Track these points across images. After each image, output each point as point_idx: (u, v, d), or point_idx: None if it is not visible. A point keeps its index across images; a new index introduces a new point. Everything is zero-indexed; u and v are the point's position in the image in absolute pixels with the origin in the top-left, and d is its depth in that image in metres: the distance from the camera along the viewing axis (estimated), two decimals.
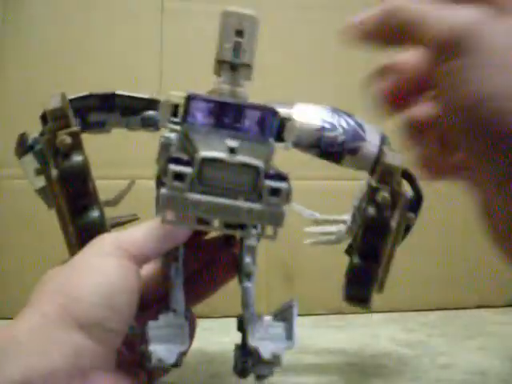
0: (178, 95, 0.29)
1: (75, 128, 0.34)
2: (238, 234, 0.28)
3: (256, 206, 0.25)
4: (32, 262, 0.57)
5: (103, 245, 0.28)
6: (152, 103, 0.36)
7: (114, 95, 0.36)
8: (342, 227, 0.44)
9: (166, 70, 0.63)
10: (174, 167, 0.24)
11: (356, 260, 0.38)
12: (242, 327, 0.31)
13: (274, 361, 0.29)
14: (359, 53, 0.69)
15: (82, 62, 0.61)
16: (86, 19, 0.62)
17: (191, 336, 0.32)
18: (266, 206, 0.25)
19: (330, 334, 0.55)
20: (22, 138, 0.37)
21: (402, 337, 0.54)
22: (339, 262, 0.65)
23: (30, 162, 0.36)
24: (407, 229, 0.40)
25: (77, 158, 0.33)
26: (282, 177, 0.25)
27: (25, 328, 0.24)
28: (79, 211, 0.34)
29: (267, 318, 0.31)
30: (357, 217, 0.41)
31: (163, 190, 0.25)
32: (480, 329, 0.57)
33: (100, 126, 0.37)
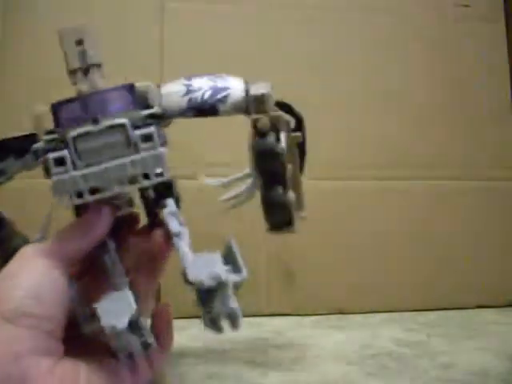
0: (42, 108, 0.31)
1: None
2: (130, 187, 0.29)
3: (136, 156, 0.28)
4: None
5: (24, 253, 0.29)
6: (33, 136, 0.35)
7: (1, 142, 0.36)
8: (250, 180, 0.44)
9: (166, 70, 0.63)
10: (52, 155, 0.28)
11: (262, 190, 0.39)
12: (186, 280, 0.30)
13: (219, 282, 0.28)
14: (357, 54, 0.69)
15: None
16: (87, 19, 0.62)
17: (164, 325, 0.32)
18: (144, 152, 0.28)
19: (330, 334, 0.55)
20: None
21: (402, 337, 0.54)
22: (339, 262, 0.65)
23: None
24: (301, 151, 0.42)
25: None
26: (148, 124, 0.28)
27: None
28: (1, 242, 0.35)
29: (202, 253, 0.30)
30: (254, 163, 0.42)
31: (50, 180, 0.27)
32: (480, 329, 0.57)
33: (1, 175, 0.37)
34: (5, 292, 0.27)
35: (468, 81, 0.70)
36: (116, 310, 0.29)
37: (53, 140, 0.30)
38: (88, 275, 0.33)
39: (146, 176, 0.29)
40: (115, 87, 0.31)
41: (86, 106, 0.30)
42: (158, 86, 0.38)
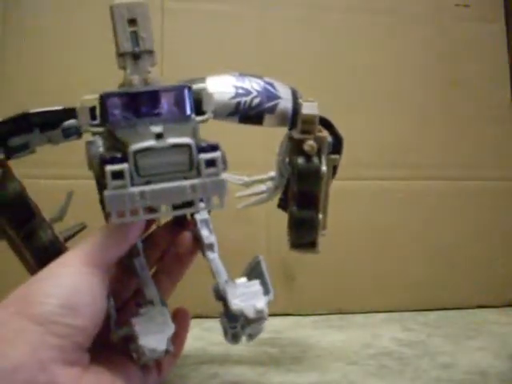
0: (91, 98, 0.29)
1: (1, 156, 0.34)
2: (187, 211, 0.29)
3: (197, 180, 0.26)
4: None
5: (63, 260, 0.29)
6: (68, 112, 0.36)
7: (26, 115, 0.36)
8: (271, 184, 0.45)
9: (167, 70, 0.63)
10: (110, 167, 0.25)
11: (294, 208, 0.39)
12: (219, 296, 0.32)
13: (260, 316, 0.30)
14: (358, 54, 0.69)
15: (83, 62, 0.61)
16: (87, 19, 0.62)
17: (182, 330, 0.33)
18: (206, 177, 0.26)
19: (330, 334, 0.55)
20: None
21: (402, 337, 0.54)
22: (339, 263, 0.65)
23: None
24: (334, 170, 0.42)
25: (12, 186, 0.34)
26: (213, 147, 0.26)
27: None
28: (29, 236, 0.35)
29: (241, 280, 0.32)
30: (283, 171, 0.42)
31: (107, 192, 0.25)
32: (480, 329, 0.57)
33: (23, 149, 0.37)
34: (39, 295, 0.26)
35: (468, 81, 0.70)
36: (155, 329, 0.28)
37: (99, 133, 0.29)
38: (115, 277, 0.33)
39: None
40: (171, 87, 0.29)
41: (138, 103, 0.28)
42: (202, 80, 0.37)
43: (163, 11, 0.64)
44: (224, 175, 0.27)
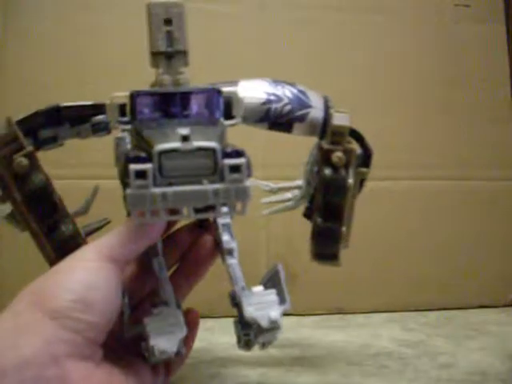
0: (122, 95, 0.29)
1: (29, 148, 0.34)
2: (209, 216, 0.28)
3: (220, 185, 0.26)
4: (32, 262, 0.57)
5: (82, 253, 0.29)
6: (98, 108, 0.36)
7: (58, 109, 0.36)
8: (297, 193, 0.45)
9: None
10: (134, 166, 0.25)
11: (319, 220, 0.38)
12: (235, 302, 0.32)
13: (274, 326, 0.30)
14: (360, 53, 0.69)
15: (83, 63, 0.61)
16: (87, 20, 0.62)
17: (192, 332, 0.33)
18: (230, 183, 0.26)
19: (330, 334, 0.55)
20: None
21: (402, 337, 0.54)
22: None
23: None
24: (361, 182, 0.41)
25: (37, 178, 0.34)
26: (239, 153, 0.26)
27: (4, 320, 0.26)
28: (51, 229, 0.35)
29: (258, 288, 0.32)
30: (310, 180, 0.42)
31: (129, 191, 0.25)
32: (480, 329, 0.57)
33: (52, 141, 0.37)
34: (55, 289, 0.27)
35: (468, 81, 0.70)
36: (167, 330, 0.28)
37: (127, 130, 0.29)
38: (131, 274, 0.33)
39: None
40: (202, 89, 0.29)
41: (167, 104, 0.29)
42: (235, 83, 0.37)
43: None
44: (249, 181, 0.27)
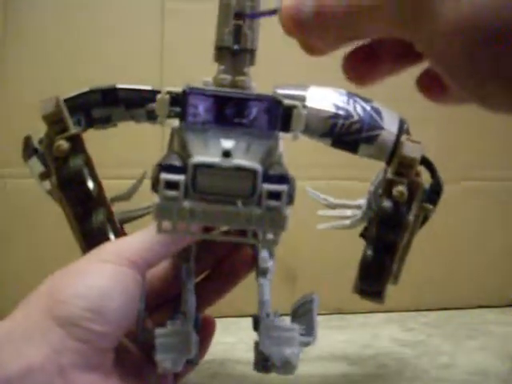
0: (175, 90, 0.26)
1: (73, 131, 0.33)
2: (237, 241, 0.27)
3: (255, 210, 0.23)
4: (32, 262, 0.57)
5: (102, 252, 0.28)
6: (155, 94, 0.35)
7: (115, 89, 0.36)
8: (356, 212, 0.43)
9: (167, 70, 0.63)
10: (165, 176, 0.23)
11: (370, 252, 0.36)
12: (256, 327, 0.31)
13: (287, 366, 0.29)
14: None
15: (83, 62, 0.61)
16: (87, 19, 0.62)
17: (207, 339, 0.32)
18: (266, 210, 0.23)
19: (330, 334, 0.55)
20: (27, 141, 0.37)
21: (402, 337, 0.54)
22: (339, 263, 0.65)
23: (36, 165, 0.36)
24: (424, 219, 0.38)
25: (74, 163, 0.33)
26: (282, 178, 0.23)
27: (5, 328, 0.25)
28: (83, 216, 0.34)
29: (282, 321, 0.30)
30: (372, 203, 0.39)
31: (156, 200, 0.23)
32: (480, 329, 0.57)
33: (106, 121, 0.37)
34: (67, 294, 0.25)
35: None
36: (174, 348, 0.27)
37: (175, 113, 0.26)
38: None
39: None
40: (261, 97, 0.26)
41: (222, 107, 0.26)
42: (305, 88, 0.34)
43: (163, 11, 0.64)
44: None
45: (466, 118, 0.70)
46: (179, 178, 0.23)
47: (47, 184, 0.35)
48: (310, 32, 0.21)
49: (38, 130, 0.36)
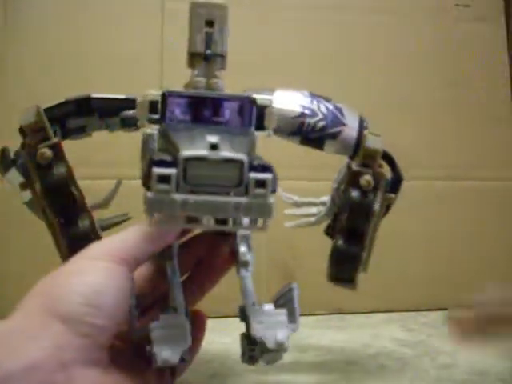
0: (154, 93, 0.28)
1: (54, 139, 0.34)
2: (228, 229, 0.28)
3: (243, 199, 0.25)
4: (32, 262, 0.57)
5: (92, 252, 0.28)
6: (129, 102, 0.36)
7: (89, 99, 0.36)
8: (321, 209, 0.45)
9: (167, 70, 0.63)
10: (157, 170, 0.24)
11: (340, 242, 0.38)
12: (244, 317, 0.31)
13: (280, 348, 0.30)
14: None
15: (82, 62, 0.61)
16: (87, 19, 0.62)
17: (199, 335, 0.32)
18: (253, 198, 0.25)
19: (330, 334, 0.55)
20: (4, 153, 0.37)
21: (402, 337, 0.54)
22: None
23: (14, 176, 0.36)
24: (387, 208, 0.40)
25: (58, 171, 0.33)
26: (266, 168, 0.25)
27: (5, 328, 0.25)
28: (68, 222, 0.34)
29: (268, 306, 0.31)
30: (336, 199, 0.41)
31: (149, 194, 0.24)
32: None
33: (80, 131, 0.37)
34: (65, 291, 0.26)
35: (468, 81, 0.70)
36: (171, 339, 0.28)
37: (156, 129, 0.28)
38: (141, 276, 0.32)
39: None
40: (235, 96, 0.28)
41: (199, 108, 0.28)
42: (270, 92, 0.36)
43: (163, 11, 0.64)
44: (273, 197, 0.26)
45: (465, 118, 0.70)
46: (171, 171, 0.24)
47: (27, 194, 0.36)
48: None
49: (12, 145, 0.36)
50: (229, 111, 0.28)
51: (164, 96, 0.28)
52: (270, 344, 0.29)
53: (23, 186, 0.36)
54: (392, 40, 0.69)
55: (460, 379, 0.41)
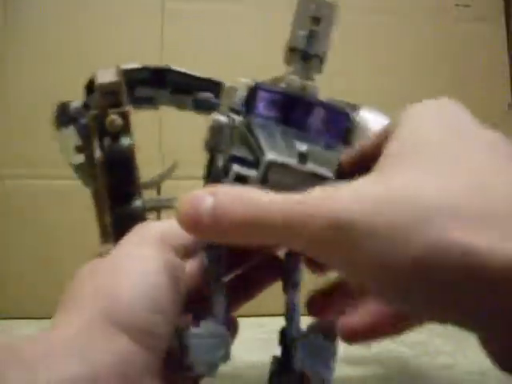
0: (246, 82, 0.26)
1: (127, 108, 0.31)
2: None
3: None
4: (32, 262, 0.57)
5: (145, 236, 0.25)
6: (208, 84, 0.33)
7: (167, 70, 0.33)
8: None
9: None
10: (238, 168, 0.22)
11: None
12: (286, 342, 0.29)
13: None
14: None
15: (82, 62, 0.61)
16: (87, 19, 0.62)
17: (231, 339, 0.30)
18: None
19: None
20: (64, 108, 0.34)
21: (402, 337, 0.53)
22: None
23: (70, 135, 0.33)
24: None
25: (126, 142, 0.30)
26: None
27: (65, 335, 0.22)
28: (121, 199, 0.31)
29: (316, 337, 0.29)
30: None
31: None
32: None
33: (147, 102, 0.35)
34: (127, 295, 0.22)
35: (468, 81, 0.70)
36: (209, 349, 0.25)
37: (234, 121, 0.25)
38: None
39: None
40: (333, 106, 0.26)
41: (290, 109, 0.25)
42: (355, 109, 0.34)
43: (163, 11, 0.64)
44: None
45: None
46: (251, 173, 0.22)
47: (80, 158, 0.33)
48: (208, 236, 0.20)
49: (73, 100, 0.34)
50: (320, 120, 0.26)
51: (255, 88, 0.25)
52: (316, 381, 0.27)
53: (78, 149, 0.32)
54: (392, 40, 0.69)
55: (460, 379, 0.41)
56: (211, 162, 0.27)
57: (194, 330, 0.25)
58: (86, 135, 0.31)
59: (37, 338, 0.22)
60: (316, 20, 0.26)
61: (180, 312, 0.25)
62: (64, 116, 0.33)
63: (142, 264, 0.23)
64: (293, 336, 0.28)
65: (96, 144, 0.30)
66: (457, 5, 0.72)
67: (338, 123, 0.26)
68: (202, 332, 0.25)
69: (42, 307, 0.59)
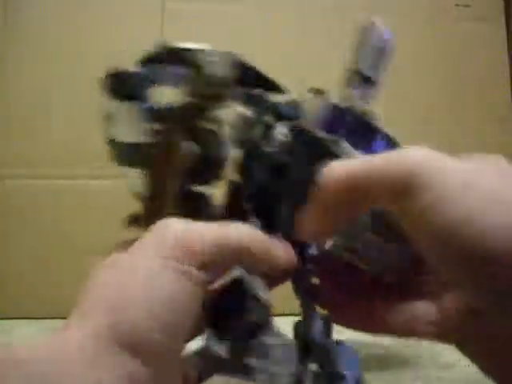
0: (320, 90, 0.26)
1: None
2: None
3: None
4: (32, 262, 0.57)
5: (164, 242, 0.22)
6: (275, 87, 0.32)
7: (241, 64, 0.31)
8: None
9: None
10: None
11: None
12: (305, 339, 0.30)
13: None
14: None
15: (82, 62, 0.61)
16: (87, 19, 0.62)
17: None
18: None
19: None
20: (128, 79, 0.29)
21: None
22: None
23: (134, 113, 0.29)
24: None
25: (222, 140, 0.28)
26: None
27: (75, 346, 0.21)
28: (190, 196, 0.29)
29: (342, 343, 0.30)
30: None
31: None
32: None
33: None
34: (136, 312, 0.21)
35: (468, 81, 0.70)
36: (275, 369, 0.25)
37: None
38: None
39: None
40: (390, 136, 0.26)
41: (355, 131, 0.26)
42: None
43: (163, 11, 0.64)
44: None
45: (465, 118, 0.70)
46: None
47: (137, 136, 0.29)
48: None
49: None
50: (379, 147, 0.26)
51: (342, 110, 0.26)
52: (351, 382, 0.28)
53: (148, 133, 0.28)
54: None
55: (460, 379, 0.41)
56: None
57: (254, 359, 0.24)
58: (159, 117, 0.28)
59: (41, 352, 0.20)
60: (381, 50, 0.28)
61: (195, 332, 0.23)
62: (125, 89, 0.30)
63: (154, 277, 0.22)
64: (320, 341, 0.29)
65: (179, 134, 0.27)
66: (457, 5, 0.72)
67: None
68: (262, 347, 0.25)
69: (42, 307, 0.59)
